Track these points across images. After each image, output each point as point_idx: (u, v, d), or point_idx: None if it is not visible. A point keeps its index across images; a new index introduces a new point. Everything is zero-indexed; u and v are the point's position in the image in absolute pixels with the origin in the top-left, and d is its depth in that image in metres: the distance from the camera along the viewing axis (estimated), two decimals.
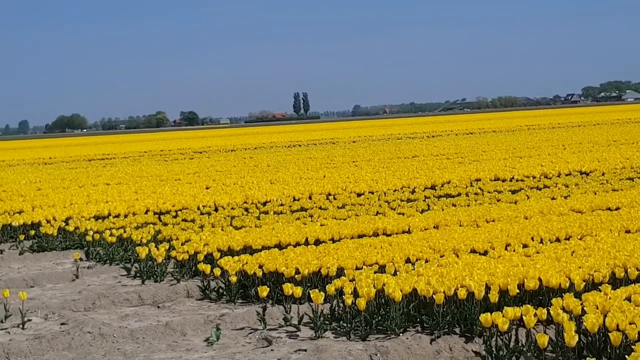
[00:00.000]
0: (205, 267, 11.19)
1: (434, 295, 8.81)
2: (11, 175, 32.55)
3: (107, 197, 20.73)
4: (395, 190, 19.34)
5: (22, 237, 15.65)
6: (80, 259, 13.45)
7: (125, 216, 17.22)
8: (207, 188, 22.04)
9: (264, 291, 9.65)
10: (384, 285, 9.17)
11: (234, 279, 10.59)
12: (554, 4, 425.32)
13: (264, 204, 18.15)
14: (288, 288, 9.49)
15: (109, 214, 17.51)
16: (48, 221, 16.91)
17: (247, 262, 11.03)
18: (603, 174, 20.67)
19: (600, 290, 8.51)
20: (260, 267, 10.79)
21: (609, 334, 7.31)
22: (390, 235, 13.02)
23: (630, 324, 7.41)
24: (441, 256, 10.95)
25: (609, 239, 11.32)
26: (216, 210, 17.70)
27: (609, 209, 14.54)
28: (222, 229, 14.54)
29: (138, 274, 12.27)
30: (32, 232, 16.05)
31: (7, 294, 10.07)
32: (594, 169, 21.72)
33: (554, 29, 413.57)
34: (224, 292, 10.81)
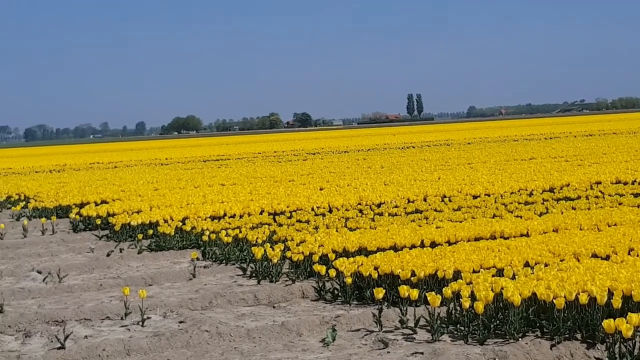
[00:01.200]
0: (321, 268, 11.17)
1: (554, 300, 8.58)
2: (129, 176, 33.32)
3: (222, 197, 20.98)
4: (512, 193, 18.99)
5: (140, 236, 15.94)
6: (197, 259, 13.63)
7: (241, 216, 17.38)
8: (320, 189, 22.08)
9: (380, 293, 9.57)
10: (502, 289, 8.99)
11: (349, 280, 10.55)
12: None
13: (378, 205, 18.07)
14: (404, 290, 9.39)
15: (225, 214, 17.70)
16: (165, 221, 17.20)
17: (362, 264, 10.98)
18: None
19: None
20: (376, 268, 10.72)
21: None
22: (507, 238, 12.78)
23: None
24: (561, 260, 10.69)
25: None
26: (330, 211, 17.70)
27: None
28: (336, 230, 14.53)
29: (254, 274, 12.35)
30: (150, 232, 16.33)
31: (128, 292, 10.26)
32: None
33: None
34: (339, 294, 10.77)
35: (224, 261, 13.71)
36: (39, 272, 13.47)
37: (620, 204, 16.15)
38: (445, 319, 9.10)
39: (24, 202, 24.37)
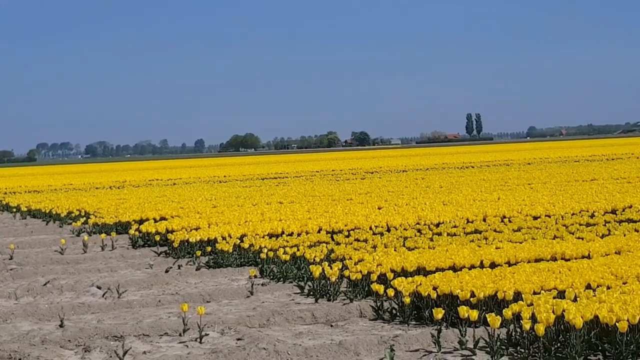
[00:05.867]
0: (379, 287, 11.10)
1: (617, 323, 8.42)
2: (188, 193, 33.56)
3: (280, 215, 21.01)
4: (573, 214, 18.75)
5: (199, 252, 16.01)
6: (255, 276, 13.64)
7: (299, 235, 17.38)
8: (379, 208, 22.01)
9: (439, 313, 9.47)
10: (563, 311, 8.84)
11: (407, 300, 10.47)
12: None
13: (437, 225, 17.94)
14: (464, 311, 9.29)
15: (282, 232, 17.72)
16: (224, 238, 17.26)
17: (420, 284, 10.89)
18: None
19: None
20: (434, 288, 10.62)
21: None
22: (569, 260, 12.60)
23: None
24: (624, 283, 10.49)
25: None
26: (388, 230, 17.62)
27: None
28: (395, 250, 14.45)
29: (311, 292, 12.32)
30: (209, 248, 16.39)
31: (186, 308, 10.29)
32: None
33: None
34: (397, 313, 10.70)
35: (282, 279, 13.70)
36: (99, 288, 13.60)
37: None
38: (505, 341, 8.97)
39: (84, 218, 24.64)
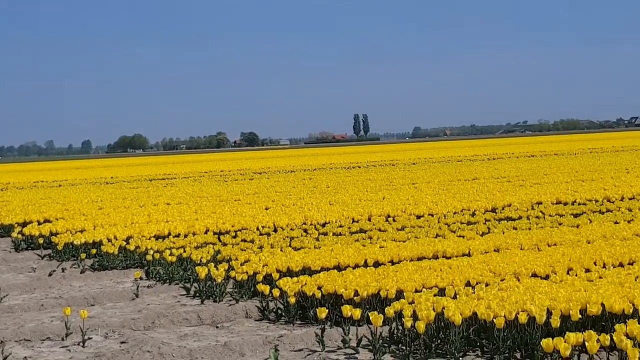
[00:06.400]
0: (264, 288, 11.19)
1: (494, 319, 8.70)
2: (74, 194, 32.98)
3: (167, 216, 20.88)
4: (455, 213, 19.21)
5: (83, 255, 15.80)
6: (141, 278, 13.56)
7: (185, 236, 17.34)
8: (266, 209, 22.10)
9: (322, 312, 9.61)
10: (443, 308, 9.09)
11: (292, 300, 10.59)
12: (617, 26, 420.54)
13: (323, 225, 18.14)
14: (347, 310, 9.45)
15: (169, 234, 17.65)
16: (109, 240, 17.08)
17: (305, 283, 11.03)
18: None
19: None
20: (319, 288, 10.77)
21: None
22: (450, 258, 12.92)
23: None
24: (502, 280, 10.84)
25: None
26: (275, 231, 17.73)
27: None
28: (281, 250, 14.56)
29: (197, 294, 12.33)
30: (94, 251, 16.21)
31: (69, 312, 10.17)
32: None
33: (617, 51, 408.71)
34: (283, 313, 10.80)
35: (168, 281, 13.66)
36: None
37: (560, 224, 16.41)
38: (388, 339, 9.16)
39: None
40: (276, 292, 10.98)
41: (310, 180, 34.95)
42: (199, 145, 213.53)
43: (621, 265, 11.58)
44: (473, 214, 18.80)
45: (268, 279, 12.07)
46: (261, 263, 12.94)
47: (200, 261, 14.00)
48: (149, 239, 17.08)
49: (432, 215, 18.83)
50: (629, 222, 16.13)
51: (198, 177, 44.87)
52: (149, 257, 14.80)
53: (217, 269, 12.61)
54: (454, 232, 16.01)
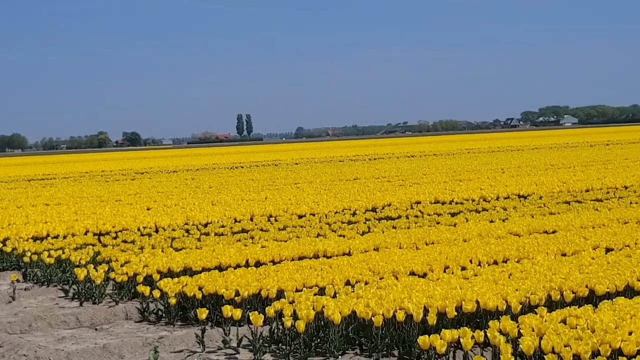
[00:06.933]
0: (145, 289, 11.11)
1: (372, 318, 8.86)
2: None
3: (46, 217, 20.47)
4: (336, 213, 19.42)
5: None
6: (18, 281, 13.29)
7: (65, 237, 17.03)
8: (148, 209, 21.90)
9: (203, 313, 9.62)
10: (323, 307, 9.21)
11: (173, 300, 10.55)
12: (492, 31, 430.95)
13: (205, 225, 18.10)
14: (227, 310, 9.48)
15: (48, 235, 17.31)
16: None
17: (186, 284, 11.00)
18: (540, 198, 20.97)
19: (536, 313, 8.64)
20: (200, 289, 10.76)
21: (545, 357, 7.40)
22: (330, 257, 13.07)
23: (565, 346, 7.53)
24: (380, 278, 11.02)
25: (546, 261, 11.51)
26: (157, 231, 17.60)
27: (545, 232, 14.77)
28: (162, 251, 14.46)
29: (76, 296, 12.15)
30: None
31: None
32: (532, 192, 22.05)
33: (494, 55, 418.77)
34: (163, 314, 10.75)
35: (46, 283, 13.42)
36: None
37: (438, 223, 16.78)
38: (268, 338, 9.23)
39: None
40: (157, 293, 10.92)
41: (193, 181, 34.75)
42: (80, 145, 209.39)
43: (495, 263, 11.93)
44: (354, 214, 19.04)
45: (149, 280, 11.99)
46: (142, 264, 12.83)
47: (80, 263, 13.80)
48: (27, 240, 16.71)
49: (314, 215, 19.00)
50: (503, 220, 16.60)
51: (78, 177, 44.05)
52: (26, 259, 14.50)
53: (97, 270, 12.45)
54: (335, 231, 16.19)
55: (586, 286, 9.81)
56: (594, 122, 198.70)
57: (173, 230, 17.45)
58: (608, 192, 21.61)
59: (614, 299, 9.13)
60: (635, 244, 12.83)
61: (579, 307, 8.77)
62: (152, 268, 12.45)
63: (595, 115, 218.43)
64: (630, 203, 18.86)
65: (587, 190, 22.29)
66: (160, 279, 11.74)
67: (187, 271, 12.43)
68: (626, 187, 22.70)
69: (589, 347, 7.41)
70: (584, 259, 11.56)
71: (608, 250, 12.52)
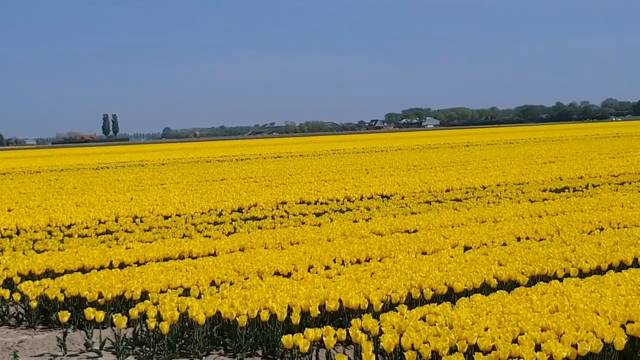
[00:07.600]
0: (4, 292, 10.88)
1: (237, 318, 8.93)
2: None
3: None
4: (202, 213, 19.40)
5: None
6: None
7: None
8: (9, 210, 21.37)
9: (64, 316, 9.49)
10: (187, 308, 9.22)
11: (34, 304, 10.36)
12: (356, 34, 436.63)
13: (69, 227, 17.80)
14: (90, 312, 9.38)
15: None
16: None
17: (48, 287, 10.81)
18: (403, 198, 21.41)
19: (397, 311, 8.85)
20: (62, 291, 10.60)
21: (405, 353, 7.60)
22: (196, 258, 13.07)
23: (424, 343, 7.75)
24: (246, 278, 11.10)
25: (407, 260, 11.79)
26: (18, 233, 17.22)
27: (407, 231, 15.11)
28: (23, 253, 14.16)
29: None
30: None
31: None
32: (395, 192, 22.48)
33: (358, 58, 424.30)
34: (24, 318, 10.55)
35: None
36: None
37: (303, 223, 16.96)
38: (132, 340, 9.18)
39: None
40: (17, 297, 10.70)
41: (57, 181, 34.03)
42: None
43: (359, 262, 12.15)
44: (220, 214, 19.06)
45: (9, 283, 11.73)
46: (2, 267, 12.55)
47: None
48: None
49: (180, 216, 18.93)
50: (367, 220, 16.90)
51: None
52: None
53: None
54: (201, 232, 16.18)
55: (445, 284, 10.12)
56: (455, 124, 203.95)
57: (35, 232, 17.11)
58: (467, 192, 22.24)
59: (471, 296, 9.43)
60: (492, 242, 13.28)
61: (438, 305, 9.03)
62: (12, 271, 12.19)
63: (456, 117, 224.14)
64: (488, 203, 19.46)
65: (447, 190, 22.88)
66: (21, 281, 11.50)
67: (49, 274, 12.22)
68: (484, 187, 23.40)
69: (447, 343, 7.66)
70: (444, 258, 11.91)
71: (466, 248, 12.92)
